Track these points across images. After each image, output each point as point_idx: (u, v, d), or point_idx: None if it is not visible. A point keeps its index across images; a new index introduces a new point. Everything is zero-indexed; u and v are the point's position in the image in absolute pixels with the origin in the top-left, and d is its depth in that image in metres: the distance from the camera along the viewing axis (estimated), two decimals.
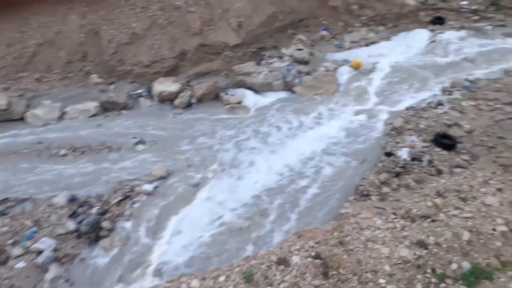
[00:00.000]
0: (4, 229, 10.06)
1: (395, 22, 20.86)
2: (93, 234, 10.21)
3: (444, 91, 15.16)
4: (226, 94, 15.71)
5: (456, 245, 6.48)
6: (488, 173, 8.78)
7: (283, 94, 16.00)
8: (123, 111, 15.00)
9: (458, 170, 10.32)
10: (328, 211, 10.59)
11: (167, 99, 15.42)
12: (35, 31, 16.52)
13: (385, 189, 10.55)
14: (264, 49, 18.14)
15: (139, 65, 16.28)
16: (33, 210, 10.74)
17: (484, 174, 8.69)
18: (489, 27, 20.34)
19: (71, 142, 13.23)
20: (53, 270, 9.26)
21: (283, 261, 6.80)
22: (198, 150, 13.03)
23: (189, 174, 12.11)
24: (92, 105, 14.85)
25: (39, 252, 9.44)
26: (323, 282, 6.21)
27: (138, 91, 15.79)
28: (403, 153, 11.81)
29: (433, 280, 5.93)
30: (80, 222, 10.39)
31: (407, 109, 14.26)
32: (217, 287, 6.46)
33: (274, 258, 6.92)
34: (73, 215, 10.63)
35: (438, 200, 7.86)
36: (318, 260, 6.65)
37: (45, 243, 9.65)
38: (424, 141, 12.25)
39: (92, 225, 10.32)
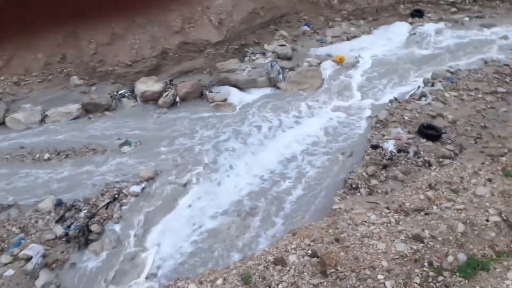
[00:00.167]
0: None
1: (375, 15, 21.08)
2: (82, 238, 9.95)
3: (427, 82, 15.39)
4: (210, 92, 15.54)
5: (451, 238, 6.54)
6: (477, 163, 8.93)
7: (268, 90, 15.91)
8: (106, 113, 14.67)
9: (447, 161, 10.50)
10: (315, 209, 10.52)
11: (151, 99, 15.16)
12: None
13: (373, 182, 10.68)
14: (247, 45, 18.05)
15: (120, 65, 15.96)
16: (19, 216, 10.40)
17: (473, 165, 8.84)
18: (466, 19, 20.84)
19: (55, 146, 12.87)
20: (44, 276, 8.98)
21: (280, 261, 6.79)
22: (179, 152, 12.84)
23: (175, 174, 11.93)
24: (74, 107, 14.46)
25: (28, 259, 9.15)
26: (322, 281, 6.20)
27: (121, 92, 15.45)
28: (390, 145, 11.95)
29: (431, 273, 5.96)
30: (68, 227, 10.13)
31: (391, 101, 14.43)
32: None
33: (271, 258, 6.92)
34: (60, 220, 10.37)
35: (430, 193, 7.96)
36: (315, 259, 6.64)
37: (34, 249, 9.36)
38: (409, 132, 12.45)
39: (80, 229, 10.08)
